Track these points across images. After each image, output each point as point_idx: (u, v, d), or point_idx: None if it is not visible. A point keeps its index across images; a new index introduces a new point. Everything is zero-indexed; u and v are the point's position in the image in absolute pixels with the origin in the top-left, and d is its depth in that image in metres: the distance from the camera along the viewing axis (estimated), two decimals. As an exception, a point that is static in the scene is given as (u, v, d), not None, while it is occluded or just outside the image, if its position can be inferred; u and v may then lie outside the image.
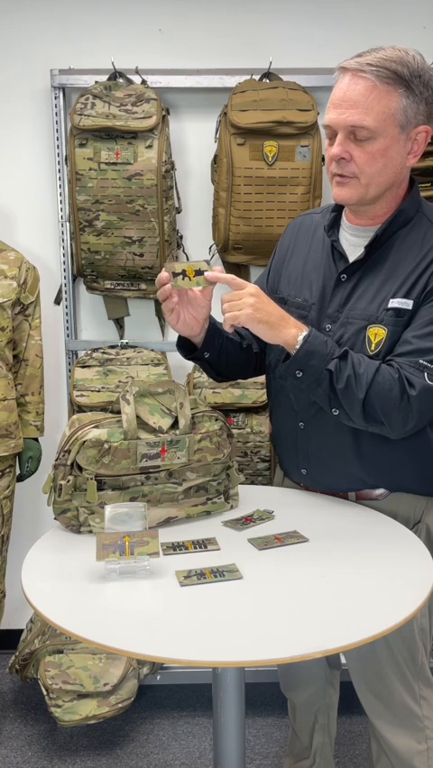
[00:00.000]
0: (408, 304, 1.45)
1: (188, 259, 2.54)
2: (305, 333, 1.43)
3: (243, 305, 1.41)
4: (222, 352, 1.62)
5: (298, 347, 1.42)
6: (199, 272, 1.44)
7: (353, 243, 1.55)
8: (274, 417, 1.71)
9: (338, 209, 1.60)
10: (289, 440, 1.64)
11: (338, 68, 1.45)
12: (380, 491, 1.58)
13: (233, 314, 1.41)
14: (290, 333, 1.43)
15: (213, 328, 1.59)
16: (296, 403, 1.58)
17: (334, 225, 1.59)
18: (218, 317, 1.54)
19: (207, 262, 1.45)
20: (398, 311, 1.45)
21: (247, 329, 1.45)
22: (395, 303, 1.46)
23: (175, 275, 1.45)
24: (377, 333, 1.47)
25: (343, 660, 1.94)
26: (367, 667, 1.59)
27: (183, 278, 1.44)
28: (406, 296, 1.46)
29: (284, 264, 1.67)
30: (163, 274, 1.45)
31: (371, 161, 1.43)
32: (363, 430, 1.49)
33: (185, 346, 1.63)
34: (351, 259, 1.54)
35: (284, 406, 1.62)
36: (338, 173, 1.46)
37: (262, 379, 1.77)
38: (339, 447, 1.54)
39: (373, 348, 1.47)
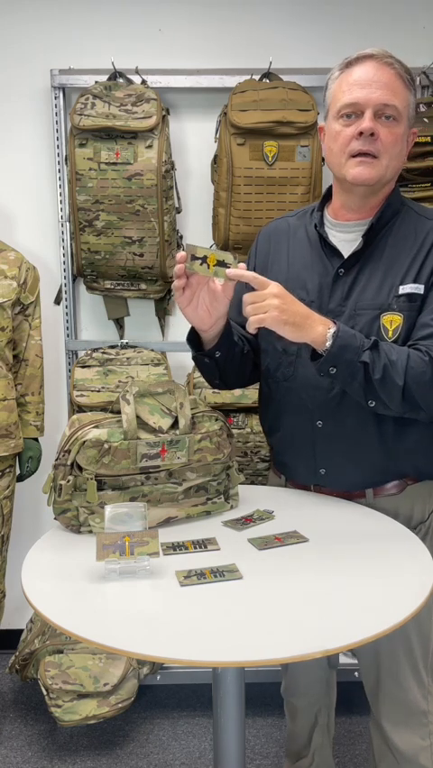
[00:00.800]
0: (419, 288, 1.48)
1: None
2: (333, 329, 1.40)
3: (267, 306, 1.36)
4: (229, 354, 1.60)
5: (329, 344, 1.39)
6: (222, 264, 1.38)
7: (341, 239, 1.57)
8: (281, 423, 1.66)
9: (322, 207, 1.62)
10: (303, 443, 1.61)
11: (352, 60, 1.49)
12: (396, 486, 1.58)
13: (258, 317, 1.36)
14: (317, 331, 1.39)
15: (228, 328, 1.57)
16: (311, 402, 1.56)
17: (321, 224, 1.60)
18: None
19: (234, 257, 1.38)
20: (410, 296, 1.47)
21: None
22: (407, 288, 1.48)
23: (194, 258, 1.39)
24: (393, 321, 1.48)
25: (343, 660, 1.94)
26: (383, 665, 1.60)
27: (201, 264, 1.39)
28: (415, 281, 1.48)
29: (267, 270, 1.65)
30: (181, 253, 1.41)
31: (394, 142, 1.48)
32: (384, 417, 1.49)
33: (193, 342, 1.60)
34: (344, 254, 1.55)
35: (294, 408, 1.60)
36: (364, 150, 1.47)
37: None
38: (363, 438, 1.54)
39: (390, 335, 1.48)
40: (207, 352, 1.59)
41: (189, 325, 1.56)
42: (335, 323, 1.42)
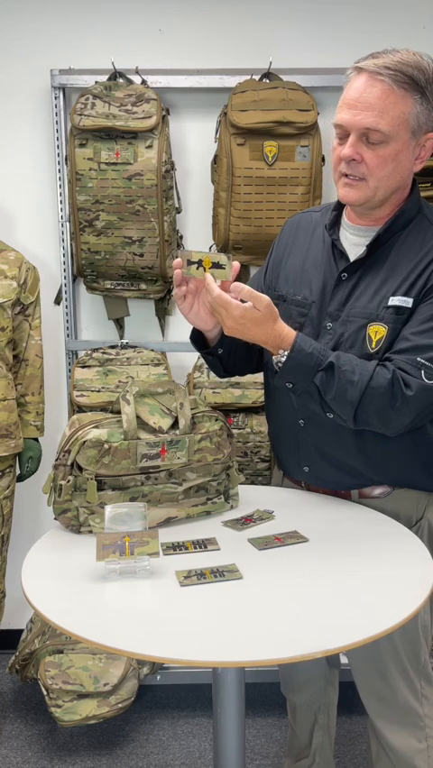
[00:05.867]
0: (408, 302, 1.46)
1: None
2: (283, 356, 1.43)
3: (222, 321, 1.43)
4: (232, 348, 1.62)
5: (281, 366, 1.44)
6: (217, 265, 1.41)
7: (354, 243, 1.55)
8: (273, 416, 1.71)
9: (339, 208, 1.60)
10: (289, 437, 1.64)
11: (353, 68, 1.44)
12: (382, 489, 1.58)
13: (217, 318, 1.45)
14: (271, 350, 1.45)
15: None
16: (296, 401, 1.58)
17: (334, 224, 1.59)
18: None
19: (228, 257, 1.41)
20: (398, 309, 1.46)
21: None
22: (395, 301, 1.47)
23: (190, 263, 1.42)
24: (377, 331, 1.47)
25: (344, 660, 1.94)
26: (370, 666, 1.60)
27: (198, 268, 1.42)
28: (406, 294, 1.46)
29: (282, 262, 1.66)
30: (177, 260, 1.45)
31: (381, 165, 1.43)
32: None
33: (197, 341, 1.63)
34: (352, 258, 1.54)
35: (284, 403, 1.62)
36: (348, 173, 1.46)
37: (261, 378, 1.77)
38: (341, 443, 1.55)
39: (373, 346, 1.47)
40: (209, 350, 1.61)
41: (190, 326, 1.58)
42: (291, 344, 1.43)
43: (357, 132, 1.42)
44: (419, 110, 1.42)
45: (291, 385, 1.46)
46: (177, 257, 2.44)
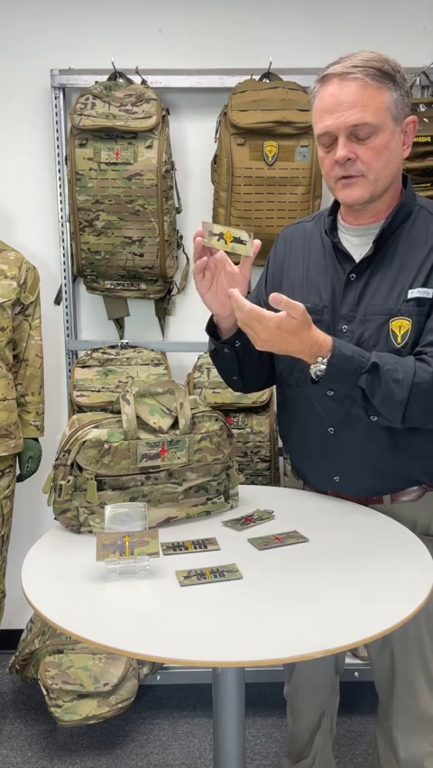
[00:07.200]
0: (428, 293, 1.45)
1: (187, 259, 2.54)
2: (323, 364, 1.38)
3: (254, 336, 1.37)
4: (249, 344, 1.52)
5: (321, 374, 1.38)
6: (238, 240, 1.39)
7: (355, 243, 1.55)
8: (293, 429, 1.66)
9: (333, 212, 1.60)
10: (316, 449, 1.59)
11: (317, 81, 1.46)
12: (413, 494, 1.56)
13: (248, 333, 1.38)
14: (307, 360, 1.40)
15: None
16: (322, 409, 1.53)
17: (333, 228, 1.59)
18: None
19: (250, 234, 1.39)
20: (419, 300, 1.46)
21: None
22: (415, 293, 1.46)
23: (212, 234, 1.40)
24: (401, 326, 1.46)
25: (346, 660, 1.94)
26: (399, 677, 1.58)
27: (219, 240, 1.40)
28: (424, 285, 1.46)
29: (283, 274, 1.65)
30: (199, 230, 1.42)
31: (376, 156, 1.44)
32: None
33: (213, 333, 1.59)
34: (356, 258, 1.53)
35: (307, 415, 1.57)
36: (344, 175, 1.45)
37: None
38: (374, 446, 1.52)
39: (399, 341, 1.46)
40: (226, 340, 1.57)
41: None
42: (330, 350, 1.38)
43: (346, 132, 1.42)
44: (396, 97, 1.44)
45: (332, 392, 1.41)
46: (177, 257, 2.46)
